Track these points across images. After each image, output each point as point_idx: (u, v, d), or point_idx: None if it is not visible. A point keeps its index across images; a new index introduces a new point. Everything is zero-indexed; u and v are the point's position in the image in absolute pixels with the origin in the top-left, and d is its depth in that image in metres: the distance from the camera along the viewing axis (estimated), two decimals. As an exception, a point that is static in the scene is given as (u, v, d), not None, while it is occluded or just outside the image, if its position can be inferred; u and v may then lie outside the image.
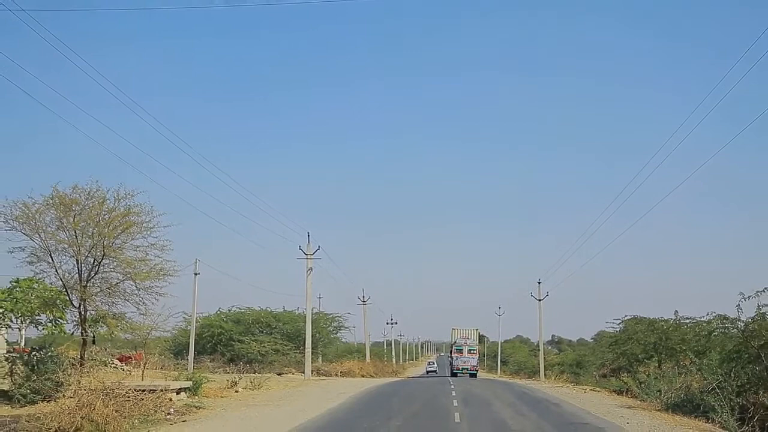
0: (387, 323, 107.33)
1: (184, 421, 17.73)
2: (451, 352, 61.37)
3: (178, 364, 41.23)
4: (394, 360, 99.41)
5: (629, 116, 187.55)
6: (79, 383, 17.48)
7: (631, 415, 20.84)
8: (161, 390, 19.63)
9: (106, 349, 29.94)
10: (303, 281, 45.58)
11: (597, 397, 29.62)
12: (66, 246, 20.96)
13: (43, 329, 26.46)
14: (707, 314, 25.29)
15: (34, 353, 21.34)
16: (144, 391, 18.18)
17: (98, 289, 21.65)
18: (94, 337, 23.58)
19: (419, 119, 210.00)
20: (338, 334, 66.40)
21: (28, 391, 19.85)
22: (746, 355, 19.64)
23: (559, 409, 23.03)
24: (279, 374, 44.84)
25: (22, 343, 37.18)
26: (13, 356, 22.70)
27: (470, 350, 57.75)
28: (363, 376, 52.48)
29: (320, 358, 61.61)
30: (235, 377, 30.68)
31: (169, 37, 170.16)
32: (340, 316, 64.15)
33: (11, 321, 26.39)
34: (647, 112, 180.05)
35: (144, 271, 21.67)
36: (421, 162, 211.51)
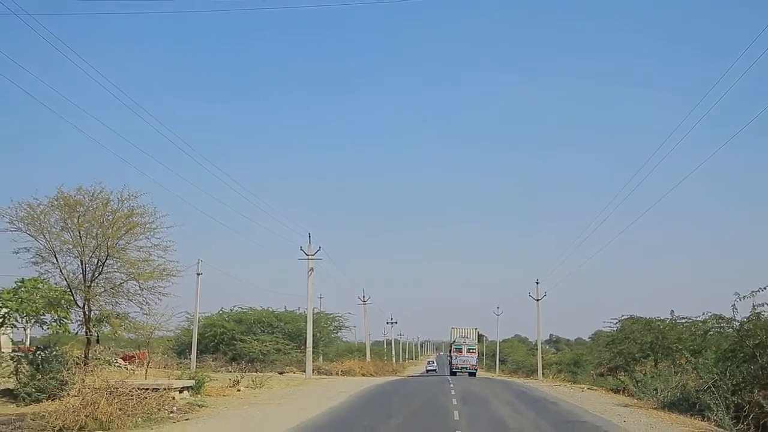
0: (387, 323, 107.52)
1: (186, 420, 17.74)
2: (450, 351, 61.30)
3: (180, 363, 41.19)
4: (394, 359, 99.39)
5: (629, 117, 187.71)
6: (84, 382, 17.49)
7: (628, 413, 20.84)
8: (164, 389, 19.66)
9: (110, 349, 30.05)
10: (304, 281, 45.69)
11: (594, 395, 29.63)
12: (70, 247, 20.95)
13: (48, 329, 26.49)
14: (703, 314, 25.32)
15: (38, 352, 21.36)
16: (147, 389, 18.22)
17: (102, 289, 21.64)
18: (98, 336, 23.58)
19: (419, 120, 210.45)
20: (339, 334, 66.42)
21: (33, 389, 19.88)
22: (741, 355, 19.64)
23: (557, 407, 23.03)
24: (280, 373, 44.82)
25: (27, 343, 37.30)
26: (18, 355, 22.72)
27: (469, 349, 57.65)
28: (363, 375, 52.47)
29: (321, 357, 61.58)
30: (237, 376, 30.69)
31: (170, 39, 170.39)
32: (340, 316, 64.21)
33: (16, 321, 26.43)
34: (647, 113, 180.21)
35: (147, 271, 21.66)
36: (421, 162, 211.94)
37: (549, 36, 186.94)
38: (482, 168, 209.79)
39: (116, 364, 29.40)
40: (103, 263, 21.29)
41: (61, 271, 21.29)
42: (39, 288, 25.47)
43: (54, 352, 21.15)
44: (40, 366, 20.43)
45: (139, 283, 21.73)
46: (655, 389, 24.71)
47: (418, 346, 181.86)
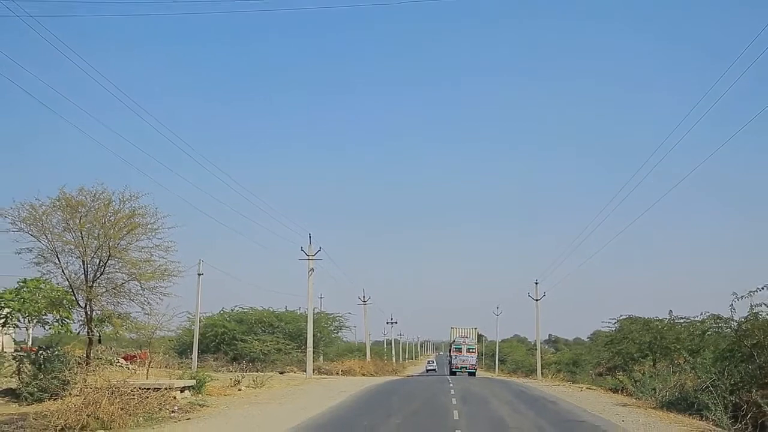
0: (387, 323, 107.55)
1: (188, 419, 17.73)
2: (450, 351, 61.19)
3: (182, 363, 41.23)
4: (394, 359, 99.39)
5: (628, 117, 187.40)
6: (85, 382, 17.48)
7: (626, 412, 20.84)
8: (165, 388, 19.65)
9: (111, 348, 30.05)
10: (304, 281, 45.68)
11: (593, 395, 29.62)
12: (72, 247, 20.95)
13: (50, 329, 26.55)
14: (701, 314, 25.34)
15: (41, 352, 21.36)
16: (149, 389, 18.21)
17: (104, 290, 21.64)
18: (99, 336, 23.59)
19: (419, 120, 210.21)
20: (339, 334, 66.49)
21: (36, 389, 19.88)
22: (739, 354, 19.63)
23: (556, 407, 23.02)
24: (281, 373, 44.81)
25: (30, 343, 37.23)
26: (20, 355, 22.72)
27: (469, 349, 57.52)
28: (363, 375, 52.45)
29: (321, 357, 61.61)
30: (238, 376, 30.70)
31: (171, 40, 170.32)
32: (341, 316, 64.29)
33: (19, 320, 26.49)
34: (646, 113, 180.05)
35: (149, 271, 21.66)
36: (421, 163, 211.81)
37: (548, 37, 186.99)
38: (482, 168, 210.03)
39: (118, 364, 29.44)
40: (105, 263, 21.29)
41: (63, 271, 21.29)
42: (41, 288, 25.53)
43: (56, 352, 21.14)
44: (43, 366, 20.43)
45: (140, 283, 21.74)
46: (654, 389, 24.72)
47: (418, 346, 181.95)
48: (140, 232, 21.54)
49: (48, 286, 25.12)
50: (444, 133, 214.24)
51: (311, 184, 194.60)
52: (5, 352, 29.66)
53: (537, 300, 61.67)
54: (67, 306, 24.30)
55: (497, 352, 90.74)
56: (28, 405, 19.14)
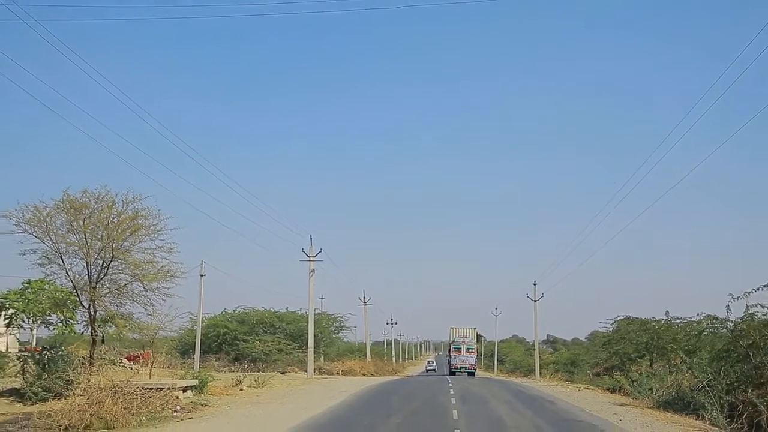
0: (387, 323, 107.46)
1: (190, 419, 17.74)
2: (449, 351, 61.08)
3: (184, 363, 41.29)
4: (394, 359, 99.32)
5: (627, 118, 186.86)
6: (89, 381, 17.49)
7: (623, 412, 20.84)
8: (168, 388, 19.65)
9: (114, 349, 30.06)
10: (305, 282, 45.68)
11: (591, 395, 29.63)
12: (76, 248, 20.96)
13: (54, 329, 26.54)
14: (697, 314, 25.37)
15: (45, 352, 21.35)
16: (151, 389, 18.20)
17: (107, 291, 21.65)
18: (103, 336, 23.59)
19: (419, 121, 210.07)
20: (340, 334, 66.47)
21: (40, 389, 19.87)
22: (735, 354, 19.63)
23: (554, 406, 23.02)
24: (282, 373, 44.83)
25: (34, 343, 37.25)
26: (24, 355, 22.70)
27: (468, 349, 57.39)
28: (364, 375, 52.42)
29: (322, 357, 61.57)
30: (239, 376, 30.71)
31: (171, 44, 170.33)
32: (341, 317, 64.28)
33: (23, 321, 26.48)
34: (645, 114, 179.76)
35: (151, 272, 21.66)
36: (421, 164, 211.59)
37: (548, 38, 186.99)
38: (482, 169, 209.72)
39: (121, 364, 29.42)
40: (108, 265, 21.29)
41: (66, 272, 21.30)
42: (45, 289, 25.53)
43: (60, 352, 21.13)
44: (46, 366, 20.43)
45: (143, 284, 21.75)
46: (651, 389, 24.73)
47: (417, 346, 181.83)
48: (143, 234, 21.55)
49: (52, 287, 25.12)
50: (444, 133, 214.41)
51: (312, 185, 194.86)
52: (10, 353, 29.68)
53: (535, 301, 61.65)
54: (70, 307, 24.30)
55: (496, 353, 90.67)
56: (33, 405, 19.13)
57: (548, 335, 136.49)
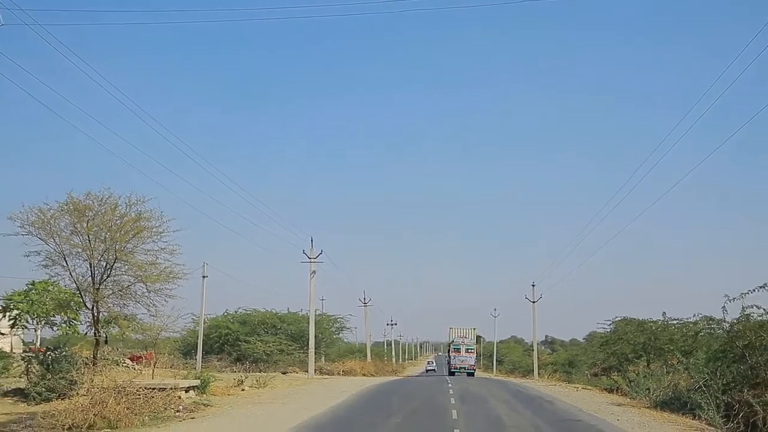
0: (387, 324, 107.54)
1: (192, 419, 17.73)
2: (448, 351, 60.96)
3: (186, 363, 41.25)
4: (394, 359, 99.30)
5: (626, 119, 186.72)
6: (92, 382, 17.47)
7: (621, 412, 20.83)
8: (171, 388, 19.64)
9: (117, 349, 29.98)
10: (306, 284, 45.73)
11: (588, 395, 29.60)
12: (80, 250, 20.95)
13: (58, 330, 26.58)
14: (694, 315, 25.35)
15: (49, 353, 21.37)
16: (154, 389, 18.20)
17: (110, 292, 21.64)
18: (106, 337, 23.58)
19: (420, 125, 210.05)
20: (340, 335, 66.52)
21: (44, 389, 19.89)
22: (731, 355, 19.62)
23: (553, 406, 23.01)
24: (284, 373, 44.83)
25: (38, 343, 37.25)
26: (29, 356, 22.73)
27: (468, 349, 57.21)
28: (364, 375, 52.40)
29: (323, 357, 61.57)
30: (241, 376, 30.70)
31: (171, 48, 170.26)
32: (342, 318, 64.27)
33: (27, 322, 26.53)
34: (645, 115, 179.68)
35: (154, 274, 21.64)
36: (421, 166, 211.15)
37: (547, 41, 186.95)
38: (481, 170, 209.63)
39: (124, 365, 29.38)
40: (112, 266, 21.29)
41: (70, 273, 21.29)
42: (49, 290, 25.56)
43: (63, 353, 21.15)
44: (50, 366, 20.45)
45: (146, 285, 21.73)
46: (648, 389, 24.72)
47: (417, 347, 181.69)
48: (146, 236, 21.53)
49: (56, 289, 25.14)
50: (444, 135, 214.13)
51: (312, 187, 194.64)
52: (14, 353, 29.69)
53: (534, 302, 61.62)
54: (74, 308, 24.31)
55: (495, 353, 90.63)
56: (37, 404, 19.15)
57: (546, 336, 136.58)
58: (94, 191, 21.31)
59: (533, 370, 60.50)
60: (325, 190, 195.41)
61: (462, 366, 56.16)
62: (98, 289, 21.21)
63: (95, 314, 21.72)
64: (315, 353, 47.50)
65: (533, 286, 61.94)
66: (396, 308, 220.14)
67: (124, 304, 22.04)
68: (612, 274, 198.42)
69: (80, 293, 21.79)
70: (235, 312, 56.74)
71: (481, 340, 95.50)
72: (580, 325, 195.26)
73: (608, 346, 37.19)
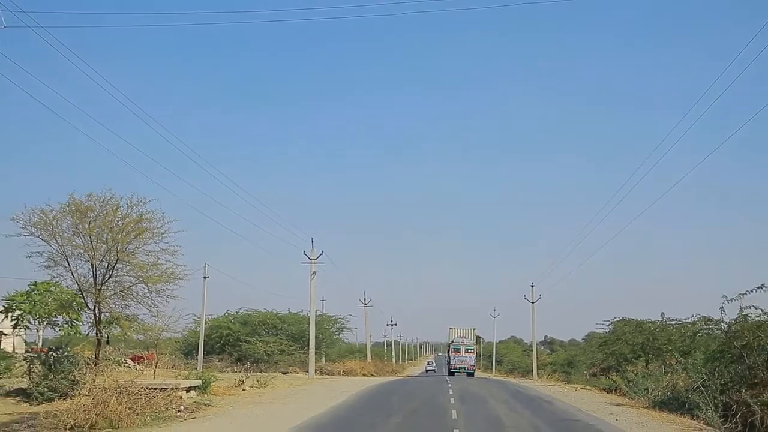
0: (387, 325, 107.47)
1: (193, 418, 17.73)
2: (448, 352, 60.86)
3: (188, 363, 41.17)
4: (394, 360, 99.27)
5: (625, 120, 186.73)
6: (94, 382, 17.47)
7: (620, 412, 20.83)
8: (172, 388, 19.64)
9: (119, 350, 29.98)
10: (307, 284, 45.70)
11: (587, 395, 29.60)
12: (81, 251, 20.95)
13: (60, 330, 26.49)
14: (692, 316, 25.36)
15: (51, 353, 21.36)
16: (156, 389, 18.21)
17: (112, 292, 21.64)
18: (108, 337, 23.57)
19: (420, 127, 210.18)
20: (341, 335, 66.49)
21: (46, 389, 19.88)
22: (729, 355, 19.63)
23: (552, 406, 23.01)
24: (284, 373, 44.81)
25: (40, 344, 37.20)
26: (31, 356, 22.72)
27: (467, 349, 57.10)
28: (364, 375, 52.38)
29: (323, 358, 61.54)
30: (242, 376, 30.69)
31: (171, 51, 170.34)
32: (342, 318, 64.27)
33: (29, 322, 26.44)
34: (644, 116, 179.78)
35: (156, 275, 21.64)
36: (421, 167, 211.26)
37: (547, 43, 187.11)
38: (481, 171, 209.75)
39: (125, 365, 29.37)
40: (113, 267, 21.30)
41: (72, 274, 21.29)
42: (51, 291, 25.50)
43: (65, 353, 21.14)
44: (52, 366, 20.44)
45: (147, 286, 21.73)
46: (646, 389, 24.70)
47: (417, 347, 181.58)
48: (147, 237, 21.54)
49: (58, 289, 25.10)
50: (443, 137, 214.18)
51: (313, 189, 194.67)
52: (16, 353, 29.68)
53: (533, 302, 61.58)
54: (76, 308, 24.26)
55: (494, 353, 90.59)
56: (39, 404, 19.15)
57: (546, 336, 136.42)
58: (96, 192, 21.37)
59: (532, 371, 60.44)
60: (326, 191, 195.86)
61: (462, 366, 56.08)
62: (100, 289, 21.22)
63: (97, 315, 21.72)
64: (315, 353, 47.49)
65: (532, 286, 61.94)
66: (396, 308, 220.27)
67: (126, 305, 22.06)
68: (612, 274, 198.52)
69: (82, 294, 21.79)
70: (236, 312, 56.79)
71: (481, 340, 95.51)
72: (579, 325, 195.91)
73: (607, 347, 37.21)
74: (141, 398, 16.82)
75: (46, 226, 20.58)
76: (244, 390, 27.65)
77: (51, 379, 20.02)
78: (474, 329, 61.77)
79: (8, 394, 21.18)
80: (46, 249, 20.84)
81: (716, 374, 19.25)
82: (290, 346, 52.98)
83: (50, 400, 19.26)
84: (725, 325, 19.93)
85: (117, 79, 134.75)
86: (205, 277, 46.80)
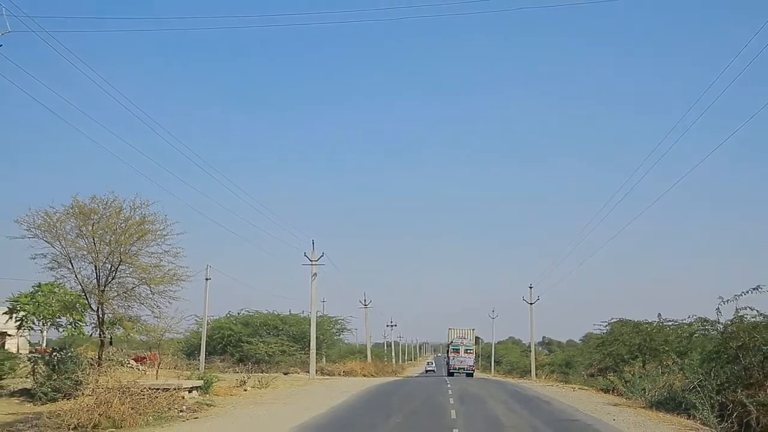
0: (387, 325, 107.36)
1: (196, 418, 17.72)
2: (447, 352, 60.76)
3: (190, 364, 41.13)
4: (393, 360, 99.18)
5: (624, 120, 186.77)
6: (97, 382, 17.50)
7: (617, 412, 20.82)
8: (174, 389, 19.63)
9: (122, 350, 30.04)
10: (308, 286, 45.69)
11: (585, 395, 29.57)
12: (85, 253, 20.99)
13: (64, 331, 26.56)
14: (689, 317, 25.33)
15: (54, 354, 21.37)
16: (158, 389, 18.20)
17: (115, 294, 21.66)
18: (111, 338, 23.61)
19: (420, 131, 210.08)
20: (341, 336, 66.44)
21: (49, 389, 19.88)
22: (725, 356, 19.64)
23: (550, 406, 22.99)
24: (285, 374, 44.78)
25: (44, 344, 37.20)
26: (35, 356, 22.72)
27: (467, 350, 57.02)
28: (364, 376, 52.34)
29: (324, 358, 61.52)
30: (243, 377, 30.67)
31: (172, 55, 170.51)
32: (342, 319, 64.24)
33: (34, 323, 26.47)
34: (643, 117, 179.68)
35: (158, 276, 21.67)
36: (421, 171, 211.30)
37: (547, 45, 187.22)
38: (481, 173, 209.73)
39: (128, 365, 29.37)
40: (116, 268, 21.32)
41: (76, 276, 21.33)
42: (55, 292, 25.55)
43: (69, 354, 21.14)
44: (56, 367, 20.44)
45: (150, 287, 21.75)
46: (644, 389, 24.68)
47: (417, 348, 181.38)
48: (150, 239, 21.58)
49: (62, 290, 25.16)
50: (444, 141, 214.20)
51: (314, 192, 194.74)
52: (21, 354, 29.67)
53: (531, 304, 61.54)
54: (79, 309, 24.31)
55: (493, 354, 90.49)
56: (43, 404, 19.15)
57: (544, 337, 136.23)
58: (100, 195, 21.40)
59: (531, 371, 60.38)
60: (326, 194, 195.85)
61: (461, 366, 56.01)
62: (103, 291, 21.24)
63: (100, 316, 21.75)
64: (316, 354, 47.48)
65: (530, 288, 61.92)
66: (396, 310, 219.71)
67: (129, 306, 22.09)
68: (611, 275, 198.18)
69: (85, 295, 21.81)
70: (238, 314, 56.78)
71: (480, 341, 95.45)
72: (577, 326, 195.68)
73: (604, 347, 37.15)
74: (144, 398, 16.82)
75: (50, 228, 20.61)
76: (245, 390, 27.63)
77: (55, 380, 20.02)
78: (473, 330, 61.69)
79: (12, 394, 21.18)
80: (50, 251, 20.91)
81: (712, 374, 19.24)
82: (291, 346, 52.96)
83: (54, 400, 19.25)
84: (721, 326, 19.94)
85: (117, 83, 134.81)
86: (207, 279, 46.78)
